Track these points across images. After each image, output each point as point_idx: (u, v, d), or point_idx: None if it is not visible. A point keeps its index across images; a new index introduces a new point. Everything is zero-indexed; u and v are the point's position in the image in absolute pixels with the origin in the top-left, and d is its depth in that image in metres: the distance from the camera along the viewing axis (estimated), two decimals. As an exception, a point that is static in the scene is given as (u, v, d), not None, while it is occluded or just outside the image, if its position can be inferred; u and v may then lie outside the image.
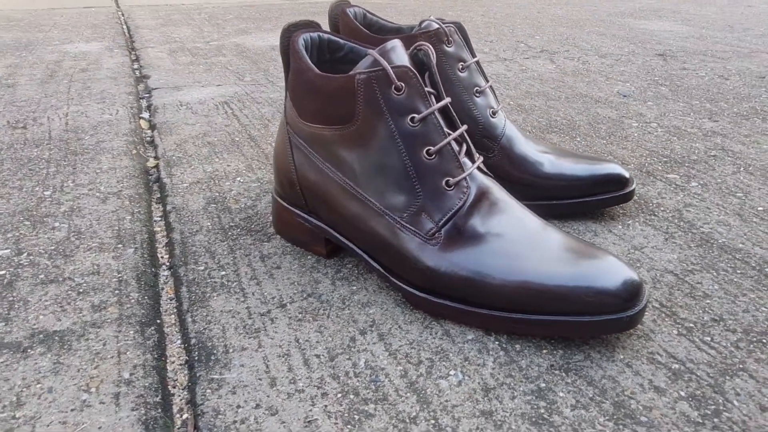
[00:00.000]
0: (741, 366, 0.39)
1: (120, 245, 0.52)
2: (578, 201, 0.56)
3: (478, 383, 0.37)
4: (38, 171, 0.67)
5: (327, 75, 0.43)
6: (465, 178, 0.43)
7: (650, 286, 0.47)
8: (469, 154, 0.44)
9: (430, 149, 0.42)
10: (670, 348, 0.40)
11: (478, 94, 0.56)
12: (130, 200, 0.60)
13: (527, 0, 2.35)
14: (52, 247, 0.51)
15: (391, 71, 0.41)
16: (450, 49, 0.55)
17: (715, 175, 0.69)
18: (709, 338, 0.41)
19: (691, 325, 0.43)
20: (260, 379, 0.37)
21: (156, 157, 0.72)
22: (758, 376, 0.38)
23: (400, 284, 0.43)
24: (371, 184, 0.43)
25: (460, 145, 0.44)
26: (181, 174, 0.67)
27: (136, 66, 1.21)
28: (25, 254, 0.50)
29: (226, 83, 1.06)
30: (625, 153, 0.75)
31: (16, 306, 0.43)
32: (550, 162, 0.56)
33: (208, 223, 0.56)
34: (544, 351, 0.40)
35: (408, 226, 0.42)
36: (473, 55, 0.57)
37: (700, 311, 0.44)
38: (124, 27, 1.71)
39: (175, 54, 1.31)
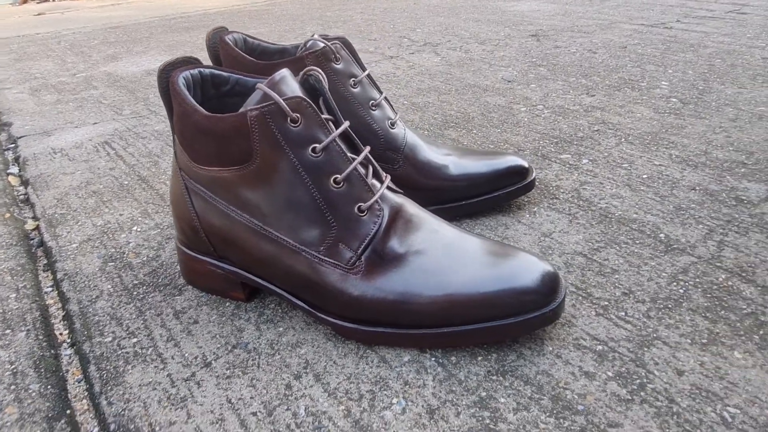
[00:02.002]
0: (655, 335, 0.42)
1: (8, 330, 0.46)
2: (486, 197, 0.57)
3: (422, 406, 0.37)
4: None
5: (216, 116, 0.41)
6: (377, 201, 0.42)
7: (564, 271, 0.49)
8: (376, 175, 0.44)
9: (336, 177, 0.41)
10: (591, 330, 0.42)
11: (374, 108, 0.56)
12: (12, 274, 0.54)
13: (403, -8, 2.39)
14: (-76, 348, 0.44)
15: (283, 104, 0.40)
16: (339, 66, 0.54)
17: (601, 150, 0.74)
18: (623, 313, 0.44)
19: (606, 303, 0.45)
20: (197, 455, 0.34)
21: (35, 218, 0.65)
22: (670, 342, 0.41)
23: (329, 318, 0.42)
24: (282, 222, 0.42)
25: (366, 167, 0.43)
26: (67, 233, 0.60)
27: (-7, 112, 1.08)
28: None
29: (102, 120, 0.98)
30: (519, 139, 0.78)
31: None
32: (454, 164, 0.57)
33: (109, 286, 0.51)
34: (479, 358, 0.40)
35: (326, 259, 0.41)
36: (363, 69, 0.56)
37: (612, 287, 0.47)
38: (-28, 67, 1.52)
39: (37, 93, 1.19)
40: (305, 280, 0.42)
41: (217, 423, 0.36)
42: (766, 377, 0.37)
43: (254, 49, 0.57)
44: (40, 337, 0.45)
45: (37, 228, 0.63)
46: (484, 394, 0.37)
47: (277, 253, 0.42)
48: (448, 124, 0.86)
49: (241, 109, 0.40)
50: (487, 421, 0.35)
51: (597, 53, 1.21)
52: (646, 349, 0.40)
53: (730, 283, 0.47)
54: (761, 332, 0.41)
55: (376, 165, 0.44)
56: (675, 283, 0.47)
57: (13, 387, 0.40)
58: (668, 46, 1.22)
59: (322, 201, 0.41)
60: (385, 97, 0.57)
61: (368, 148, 0.43)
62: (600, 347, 0.41)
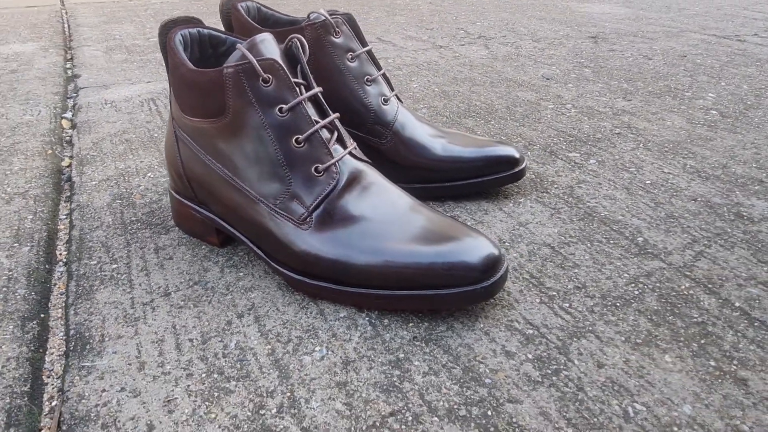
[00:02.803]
0: (590, 328, 0.41)
1: (16, 244, 0.53)
2: (471, 182, 0.58)
3: (340, 357, 0.39)
4: (-53, 175, 0.67)
5: (199, 70, 0.45)
6: (335, 164, 0.45)
7: (524, 259, 0.50)
8: (340, 141, 0.46)
9: (298, 137, 0.44)
10: (528, 315, 0.43)
11: (369, 83, 0.58)
12: (35, 200, 0.61)
13: (477, -14, 2.37)
14: (-52, 249, 0.52)
15: (257, 64, 0.43)
16: (338, 40, 0.57)
17: (614, 152, 0.72)
18: (567, 304, 0.44)
19: (554, 293, 0.45)
20: (130, 365, 0.38)
21: (71, 156, 0.73)
22: (603, 337, 0.41)
23: (279, 268, 0.45)
24: (248, 174, 0.45)
25: (331, 132, 0.46)
26: (91, 172, 0.67)
27: (68, 66, 1.20)
28: None
29: (156, 80, 1.06)
30: (534, 134, 0.78)
31: None
32: (442, 146, 0.58)
33: (110, 219, 0.57)
34: (411, 324, 0.42)
35: (281, 212, 0.44)
36: (364, 45, 0.59)
37: (566, 280, 0.47)
38: (65, 25, 1.68)
39: (111, 52, 1.30)
40: (264, 230, 0.45)
41: (156, 342, 0.40)
42: (688, 383, 0.37)
43: (267, 18, 0.61)
44: (41, 254, 0.51)
45: (70, 165, 0.70)
46: (402, 355, 0.39)
47: (242, 202, 0.46)
48: (469, 113, 0.86)
49: (221, 66, 0.44)
50: (395, 379, 0.37)
51: (652, 59, 1.16)
52: (575, 339, 0.40)
53: (691, 292, 0.45)
54: (702, 341, 0.40)
55: (343, 131, 0.46)
56: (633, 285, 0.46)
57: (4, 289, 0.46)
58: (732, 58, 1.15)
59: (283, 158, 0.44)
60: (384, 75, 0.59)
61: (336, 115, 0.46)
62: (530, 331, 0.41)
